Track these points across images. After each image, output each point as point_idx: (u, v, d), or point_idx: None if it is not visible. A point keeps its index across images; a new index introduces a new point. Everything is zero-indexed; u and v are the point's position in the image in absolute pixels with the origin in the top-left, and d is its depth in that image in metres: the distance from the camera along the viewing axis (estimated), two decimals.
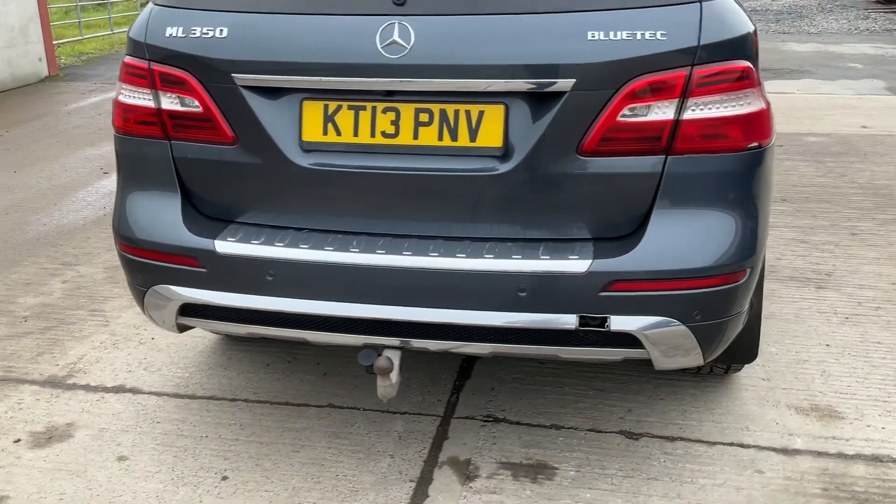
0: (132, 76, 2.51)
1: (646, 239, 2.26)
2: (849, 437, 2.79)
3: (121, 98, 2.55)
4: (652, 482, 2.59)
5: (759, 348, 3.23)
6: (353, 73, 2.28)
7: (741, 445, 2.76)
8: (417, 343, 2.38)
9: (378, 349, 2.42)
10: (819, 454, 2.71)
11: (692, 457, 2.71)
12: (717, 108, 2.22)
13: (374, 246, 2.34)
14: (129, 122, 2.54)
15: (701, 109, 2.21)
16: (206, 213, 2.54)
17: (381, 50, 2.25)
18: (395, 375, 2.40)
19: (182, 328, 2.61)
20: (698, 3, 2.21)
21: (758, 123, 2.28)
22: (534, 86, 2.21)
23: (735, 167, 2.28)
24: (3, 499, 2.58)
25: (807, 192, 5.37)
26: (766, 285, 3.94)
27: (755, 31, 2.37)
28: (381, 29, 2.25)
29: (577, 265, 2.24)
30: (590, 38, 2.18)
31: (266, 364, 3.34)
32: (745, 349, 2.84)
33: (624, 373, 3.19)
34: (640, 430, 2.86)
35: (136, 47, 2.50)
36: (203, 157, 2.46)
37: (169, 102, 2.45)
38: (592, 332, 2.28)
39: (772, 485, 2.57)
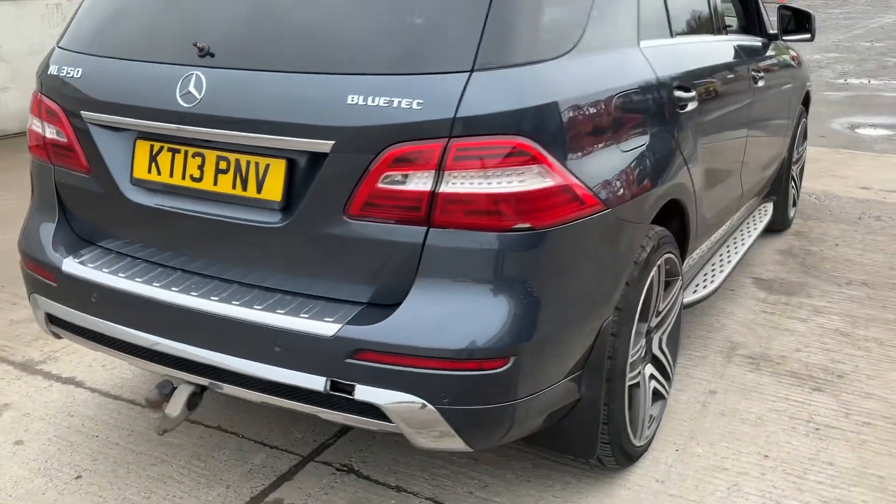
0: (35, 107, 2.82)
1: (399, 311, 2.18)
2: None
3: (31, 126, 2.88)
4: None
5: (688, 446, 2.95)
6: (160, 119, 2.42)
7: None
8: (206, 381, 2.46)
9: (174, 383, 2.53)
10: None
11: None
12: (479, 183, 2.09)
13: (172, 283, 2.46)
14: (36, 148, 2.86)
15: (460, 183, 2.10)
16: (80, 234, 2.79)
17: (178, 98, 2.36)
18: (174, 411, 2.49)
19: (56, 335, 2.88)
20: (467, 74, 2.10)
21: (532, 204, 2.11)
22: (296, 145, 2.22)
23: (500, 247, 2.12)
24: None
25: None
26: (757, 378, 3.54)
27: (559, 104, 2.19)
28: (182, 78, 2.37)
29: (326, 328, 2.21)
30: (349, 101, 2.15)
31: None
32: (580, 442, 2.59)
33: (514, 446, 3.02)
34: None
35: (37, 82, 2.81)
36: (71, 183, 2.72)
37: (50, 132, 2.74)
38: (342, 398, 2.23)
39: None
